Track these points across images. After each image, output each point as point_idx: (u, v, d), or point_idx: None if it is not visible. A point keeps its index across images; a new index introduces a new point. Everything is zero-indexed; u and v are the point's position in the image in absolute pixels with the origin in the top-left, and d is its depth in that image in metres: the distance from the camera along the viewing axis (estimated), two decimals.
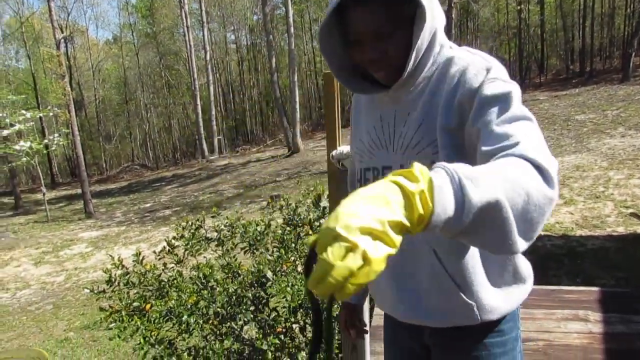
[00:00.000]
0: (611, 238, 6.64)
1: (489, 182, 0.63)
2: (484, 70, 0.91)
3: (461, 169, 0.63)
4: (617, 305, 2.95)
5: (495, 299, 1.02)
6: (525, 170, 0.68)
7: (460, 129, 0.93)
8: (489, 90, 0.88)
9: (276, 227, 3.58)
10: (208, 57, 25.10)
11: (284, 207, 3.73)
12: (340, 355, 2.58)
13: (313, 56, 32.86)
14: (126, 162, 29.22)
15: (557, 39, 28.56)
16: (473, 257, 1.00)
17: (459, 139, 0.94)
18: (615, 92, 15.87)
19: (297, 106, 17.79)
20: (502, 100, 0.86)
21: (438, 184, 0.60)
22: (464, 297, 1.01)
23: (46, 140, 14.69)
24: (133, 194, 16.32)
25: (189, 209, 12.56)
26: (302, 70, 30.97)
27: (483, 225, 0.63)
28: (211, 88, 24.74)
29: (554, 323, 2.77)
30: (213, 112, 23.93)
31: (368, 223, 0.53)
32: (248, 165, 17.04)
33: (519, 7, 24.35)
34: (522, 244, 0.66)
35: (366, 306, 1.54)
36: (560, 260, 6.06)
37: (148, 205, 14.15)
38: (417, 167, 0.60)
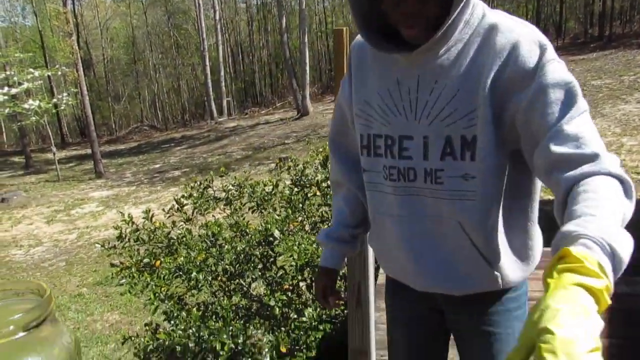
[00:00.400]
0: None
1: (622, 233, 0.65)
2: (537, 47, 0.86)
3: (604, 234, 0.62)
4: None
5: (517, 271, 1.05)
6: (618, 193, 0.72)
7: (504, 106, 0.89)
8: (549, 75, 0.84)
9: (284, 187, 3.59)
10: (217, 17, 24.62)
11: (291, 168, 3.73)
12: (345, 311, 2.63)
13: (324, 17, 32.08)
14: (135, 123, 29.24)
15: (577, 2, 27.56)
16: (500, 231, 1.00)
17: (498, 115, 0.90)
18: (634, 57, 15.40)
19: (307, 68, 17.52)
20: (567, 91, 0.83)
21: (605, 265, 0.58)
22: (490, 268, 1.01)
23: (55, 100, 14.69)
24: (142, 155, 16.41)
25: (197, 170, 12.63)
26: (312, 31, 30.32)
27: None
28: (220, 49, 24.38)
29: None
30: (222, 74, 23.67)
31: (588, 346, 0.50)
32: (257, 128, 16.98)
33: None
34: None
35: (371, 261, 1.55)
36: None
37: (157, 166, 14.24)
38: (586, 256, 0.57)
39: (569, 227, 0.65)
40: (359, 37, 1.06)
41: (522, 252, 1.05)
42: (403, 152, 0.99)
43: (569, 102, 0.83)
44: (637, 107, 11.06)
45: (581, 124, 0.81)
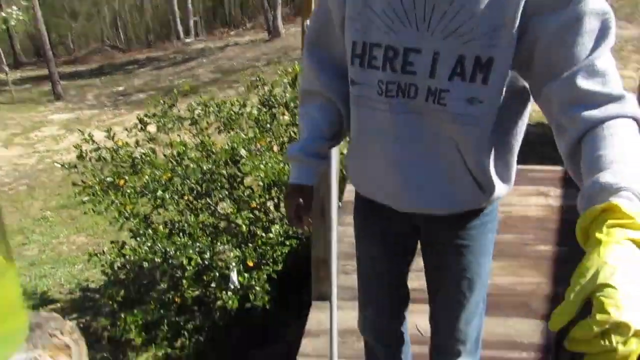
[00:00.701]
0: None
1: None
2: None
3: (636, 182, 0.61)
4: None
5: (501, 190, 1.05)
6: None
7: (528, 27, 0.82)
8: (588, 1, 0.76)
9: (252, 107, 3.50)
10: None
11: (259, 87, 3.62)
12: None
13: None
14: (96, 42, 27.56)
15: None
16: (491, 154, 0.99)
17: (520, 37, 0.83)
18: None
19: None
20: (603, 22, 0.77)
21: None
22: (479, 189, 1.02)
23: (3, 14, 13.56)
24: (105, 77, 15.64)
25: (163, 93, 12.17)
26: None
27: None
28: None
29: (517, 198, 2.90)
30: None
31: None
32: (226, 50, 16.29)
33: None
34: None
35: (335, 173, 1.54)
36: (533, 146, 6.22)
37: (121, 88, 13.65)
38: (638, 213, 0.55)
39: (607, 178, 0.62)
40: None
41: (505, 173, 1.05)
42: (407, 67, 0.90)
43: (603, 35, 0.77)
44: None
45: (610, 61, 0.77)
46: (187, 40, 20.05)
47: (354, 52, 0.96)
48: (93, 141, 3.06)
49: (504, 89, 0.88)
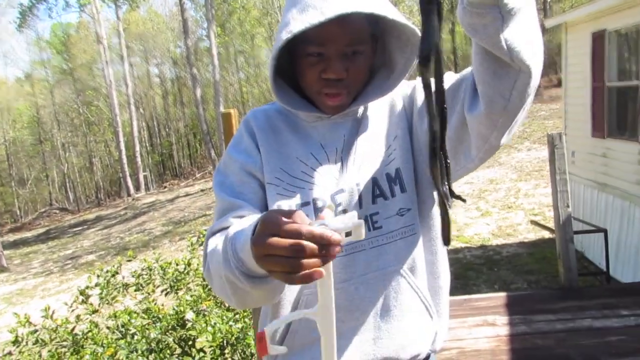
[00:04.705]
0: (523, 245, 7.15)
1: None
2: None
3: None
4: (521, 307, 3.20)
5: (444, 328, 1.04)
6: None
7: (410, 127, 0.98)
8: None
9: (198, 264, 3.52)
10: (130, 92, 24.38)
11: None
12: None
13: (239, 87, 32.92)
14: (43, 206, 27.30)
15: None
16: (442, 287, 1.00)
17: (410, 138, 0.98)
18: None
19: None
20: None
21: None
22: (432, 323, 1.00)
23: None
24: (52, 241, 15.25)
25: (115, 251, 11.94)
26: (229, 101, 30.88)
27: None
28: (134, 123, 23.97)
29: (466, 330, 2.94)
30: (137, 148, 23.13)
31: None
32: (176, 201, 16.56)
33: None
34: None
35: None
36: (480, 269, 6.42)
37: (69, 252, 13.28)
38: None
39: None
40: (257, 109, 1.04)
41: (444, 311, 1.02)
42: (338, 208, 0.93)
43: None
44: (528, 155, 12.28)
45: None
46: (138, 195, 20.29)
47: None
48: (29, 323, 2.93)
49: (414, 184, 0.96)
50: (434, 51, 0.57)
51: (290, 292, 0.95)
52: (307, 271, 0.58)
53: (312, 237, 0.58)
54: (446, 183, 0.67)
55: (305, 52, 0.89)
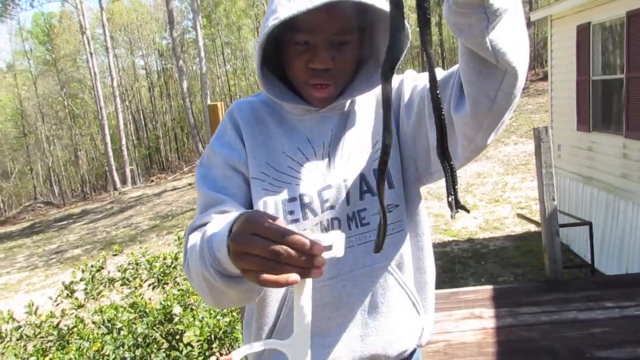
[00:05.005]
0: (510, 238, 7.23)
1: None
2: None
3: None
4: (507, 300, 3.23)
5: (430, 322, 1.05)
6: None
7: (397, 122, 0.96)
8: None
9: None
10: (115, 84, 24.05)
11: None
12: None
13: (226, 79, 32.68)
14: (28, 200, 26.91)
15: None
16: (428, 282, 1.00)
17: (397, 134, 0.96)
18: None
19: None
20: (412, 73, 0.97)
21: None
22: (419, 318, 1.00)
23: None
24: (37, 235, 15.05)
25: (101, 246, 11.83)
26: (216, 93, 30.65)
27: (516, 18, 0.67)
28: (120, 116, 23.68)
29: (453, 323, 2.96)
30: (124, 141, 22.87)
31: None
32: (163, 195, 16.43)
33: (418, 29, 25.99)
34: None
35: None
36: (467, 263, 6.48)
37: (54, 246, 13.12)
38: None
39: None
40: (241, 100, 1.00)
41: (431, 307, 1.03)
42: (325, 205, 0.91)
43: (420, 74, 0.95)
44: (515, 149, 12.38)
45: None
46: (124, 189, 20.10)
47: (267, 212, 0.90)
48: (13, 319, 2.89)
49: (402, 180, 0.95)
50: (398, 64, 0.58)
51: (277, 290, 0.93)
52: (281, 276, 0.56)
53: (293, 243, 0.57)
54: (452, 192, 0.65)
55: (292, 40, 0.87)
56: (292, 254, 0.57)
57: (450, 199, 0.66)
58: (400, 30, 0.57)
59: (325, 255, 0.59)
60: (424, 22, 0.57)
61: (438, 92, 0.59)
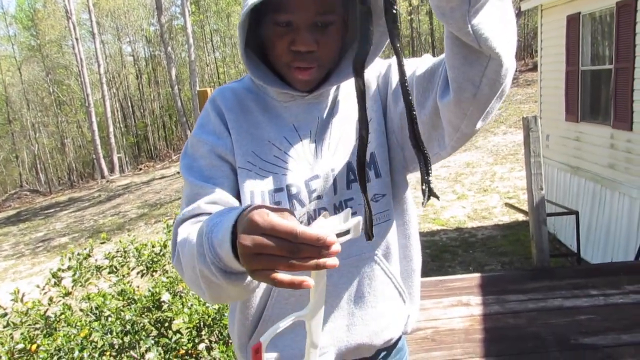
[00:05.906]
0: (497, 227, 7.30)
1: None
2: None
3: None
4: (494, 288, 3.26)
5: (416, 311, 1.05)
6: None
7: (384, 110, 0.94)
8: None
9: None
10: (102, 71, 23.68)
11: None
12: None
13: (216, 67, 32.34)
14: (13, 188, 26.55)
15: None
16: (415, 270, 1.00)
17: (385, 121, 0.94)
18: None
19: None
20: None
21: None
22: (404, 307, 1.00)
23: None
24: (23, 223, 14.88)
25: (88, 234, 11.73)
26: (205, 81, 30.35)
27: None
28: (107, 103, 23.35)
29: (441, 310, 2.99)
30: (111, 129, 22.59)
31: None
32: (152, 183, 16.31)
33: (410, 17, 25.95)
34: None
35: None
36: (455, 251, 6.54)
37: (41, 234, 12.99)
38: None
39: None
40: (224, 87, 0.98)
41: (417, 295, 1.03)
42: (312, 195, 0.90)
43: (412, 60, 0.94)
44: (504, 139, 12.46)
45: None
46: (112, 177, 19.92)
47: (253, 202, 0.89)
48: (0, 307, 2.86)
49: (389, 168, 0.94)
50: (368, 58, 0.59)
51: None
52: (296, 277, 0.55)
53: (308, 239, 0.54)
54: (426, 180, 0.66)
55: (273, 20, 0.84)
56: (307, 251, 0.54)
57: (423, 187, 0.66)
58: (368, 26, 0.57)
59: (341, 239, 0.58)
60: (390, 15, 0.57)
61: (407, 83, 0.60)
